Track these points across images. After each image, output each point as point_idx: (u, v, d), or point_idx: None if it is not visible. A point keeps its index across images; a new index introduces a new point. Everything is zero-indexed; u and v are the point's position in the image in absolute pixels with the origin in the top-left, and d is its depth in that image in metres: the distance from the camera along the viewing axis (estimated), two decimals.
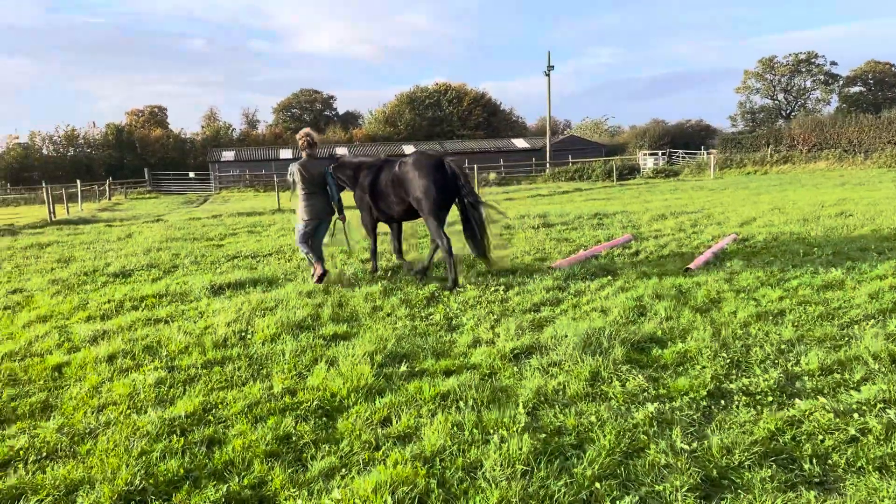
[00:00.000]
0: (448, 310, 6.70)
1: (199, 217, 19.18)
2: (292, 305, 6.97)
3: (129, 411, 4.33)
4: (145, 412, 4.31)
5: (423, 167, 7.78)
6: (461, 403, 4.13)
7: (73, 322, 6.85)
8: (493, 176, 41.02)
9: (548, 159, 48.89)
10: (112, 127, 65.09)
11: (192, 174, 50.90)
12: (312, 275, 8.12)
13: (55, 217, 21.55)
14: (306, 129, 8.23)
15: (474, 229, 7.91)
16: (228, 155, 54.82)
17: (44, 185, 25.75)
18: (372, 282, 8.13)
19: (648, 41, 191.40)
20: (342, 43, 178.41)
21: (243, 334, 6.01)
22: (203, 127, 76.94)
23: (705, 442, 3.50)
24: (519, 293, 7.24)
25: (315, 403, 4.27)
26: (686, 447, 3.43)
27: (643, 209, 16.23)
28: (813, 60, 74.47)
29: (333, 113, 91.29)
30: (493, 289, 7.48)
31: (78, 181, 31.53)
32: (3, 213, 31.69)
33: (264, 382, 4.76)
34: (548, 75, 49.41)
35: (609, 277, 7.78)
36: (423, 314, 6.58)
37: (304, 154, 8.15)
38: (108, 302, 7.66)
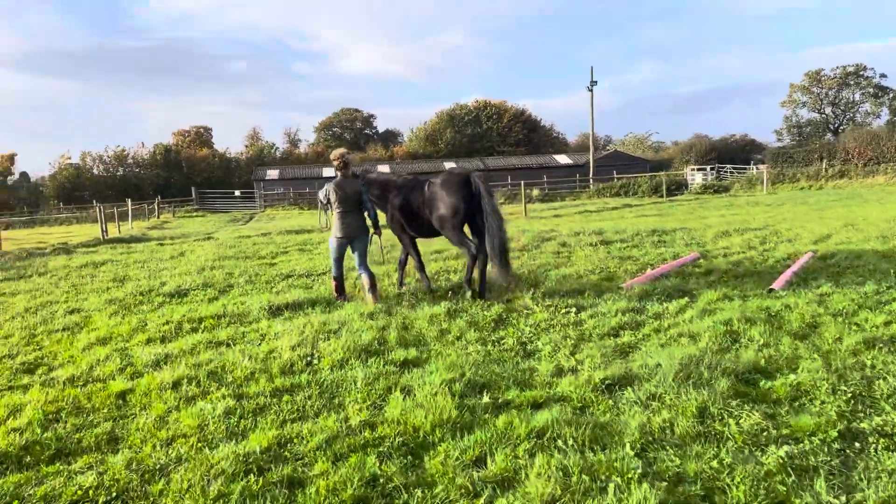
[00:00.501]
0: (520, 333, 6.33)
1: (248, 235, 19.18)
2: (356, 328, 6.68)
3: (199, 445, 4.06)
4: (217, 446, 4.03)
5: (451, 186, 7.98)
6: (560, 442, 3.75)
7: (133, 345, 6.67)
8: (536, 192, 40.55)
9: (591, 175, 48.24)
10: (160, 147, 66.58)
11: (237, 192, 51.62)
12: (337, 297, 8.30)
13: (107, 235, 21.84)
14: (341, 150, 8.26)
15: (494, 242, 7.79)
16: (273, 173, 55.47)
17: (95, 204, 26.21)
18: (434, 302, 7.82)
19: (689, 56, 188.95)
20: (380, 63, 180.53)
21: (309, 359, 5.73)
22: (247, 146, 78.26)
23: (857, 495, 3.05)
24: (593, 315, 6.84)
25: (398, 439, 3.94)
26: (836, 502, 2.99)
27: (702, 226, 15.64)
28: (861, 73, 72.29)
29: (373, 131, 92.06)
30: (563, 311, 7.09)
31: (129, 200, 32.09)
32: (57, 231, 32.42)
33: (339, 413, 4.46)
34: (591, 90, 48.92)
35: (686, 299, 7.33)
36: (493, 338, 6.22)
37: (338, 174, 8.19)
38: (167, 323, 7.49)
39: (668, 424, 3.94)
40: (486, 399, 4.53)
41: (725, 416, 4.02)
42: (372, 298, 7.87)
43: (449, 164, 58.45)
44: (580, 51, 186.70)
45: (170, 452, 3.98)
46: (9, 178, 67.06)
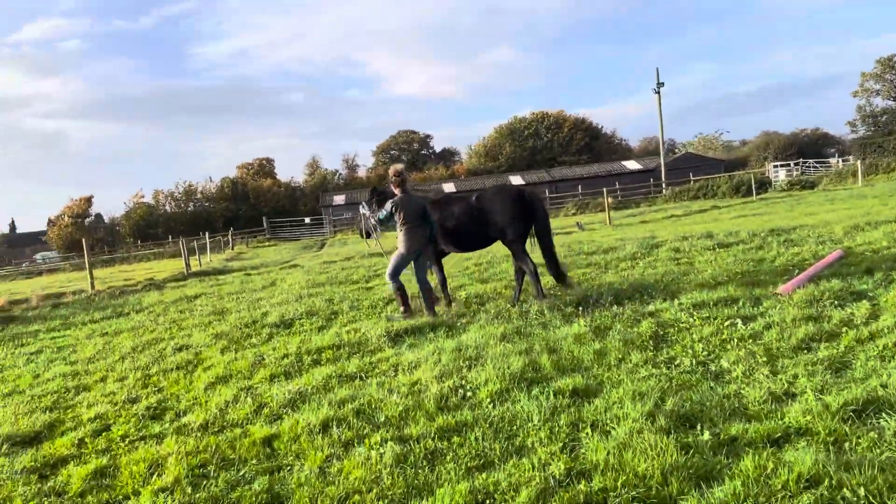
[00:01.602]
0: (691, 352, 5.52)
1: (333, 261, 18.84)
2: (498, 353, 6.00)
3: None
4: None
5: (507, 198, 8.43)
6: (846, 493, 2.94)
7: (257, 382, 6.16)
8: (605, 200, 39.35)
9: (663, 179, 46.64)
10: (227, 181, 68.06)
11: (307, 220, 52.08)
12: (403, 311, 8.24)
13: (190, 269, 21.91)
14: (398, 167, 8.28)
15: (551, 252, 8.58)
16: (339, 199, 55.85)
17: (171, 239, 26.55)
18: (569, 320, 7.08)
19: (745, 54, 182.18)
20: (430, 84, 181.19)
21: (462, 392, 5.06)
22: (307, 175, 79.29)
23: None
24: (767, 327, 5.96)
25: (627, 493, 3.20)
26: None
27: (820, 222, 14.42)
28: None
29: (431, 151, 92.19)
30: (726, 322, 6.24)
31: (207, 234, 32.55)
32: (139, 268, 33.07)
33: (528, 458, 3.76)
34: (657, 92, 47.49)
35: (866, 302, 6.37)
36: (662, 359, 5.43)
37: (396, 190, 8.21)
38: (285, 357, 6.97)
39: None
40: (705, 436, 3.75)
41: None
42: (429, 311, 8.09)
43: (515, 179, 57.71)
44: (630, 57, 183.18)
45: None
46: (86, 219, 69.59)
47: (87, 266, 17.96)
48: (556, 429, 4.12)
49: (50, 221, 70.14)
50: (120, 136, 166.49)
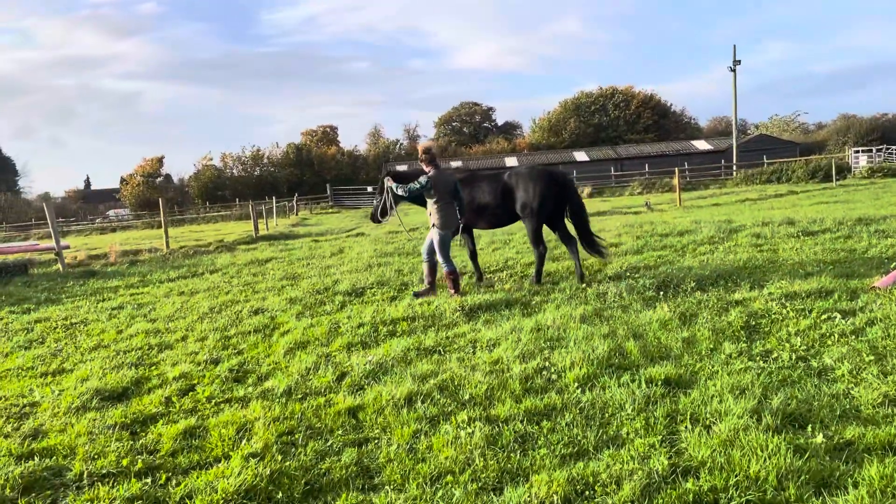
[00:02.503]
0: (789, 346, 5.23)
1: (397, 230, 18.85)
2: (580, 336, 5.83)
3: (474, 487, 3.34)
4: (498, 489, 3.29)
5: (541, 178, 8.54)
6: None
7: (335, 350, 6.17)
8: (676, 180, 38.25)
9: (734, 160, 45.01)
10: (292, 146, 69.04)
11: (370, 188, 52.43)
12: (451, 294, 8.06)
13: (259, 233, 22.32)
14: (426, 144, 8.18)
15: (587, 229, 8.76)
16: (401, 169, 55.91)
17: (239, 202, 27.06)
18: (650, 304, 6.86)
19: (824, 33, 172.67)
20: (495, 56, 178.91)
21: (546, 374, 4.93)
22: (369, 144, 79.65)
23: None
24: (870, 323, 5.61)
25: (739, 496, 3.03)
26: None
27: None
28: None
29: (493, 124, 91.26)
30: (823, 316, 5.92)
31: (274, 199, 33.08)
32: (207, 229, 33.97)
33: (626, 449, 3.61)
34: (733, 70, 45.59)
35: None
36: (758, 352, 5.17)
37: (427, 168, 8.06)
38: (360, 326, 6.97)
39: None
40: (818, 438, 3.53)
41: None
42: (454, 291, 8.04)
43: (579, 155, 56.67)
44: (701, 33, 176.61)
45: (443, 496, 3.28)
46: (157, 179, 71.79)
47: (163, 225, 18.45)
48: (652, 420, 3.95)
49: (122, 179, 72.65)
50: (191, 98, 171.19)
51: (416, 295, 8.25)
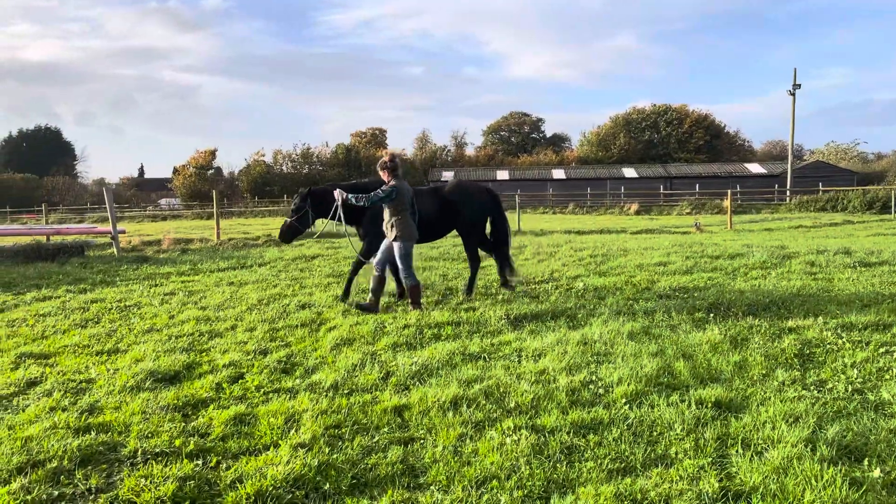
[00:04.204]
0: (843, 376, 5.10)
1: None
2: (628, 352, 5.78)
3: (519, 494, 3.34)
4: (544, 500, 3.29)
5: (478, 194, 8.93)
6: None
7: (381, 349, 6.23)
8: (726, 203, 37.57)
9: (788, 186, 43.98)
10: (342, 147, 69.89)
11: None
12: (412, 307, 7.91)
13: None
14: (394, 151, 7.88)
15: (505, 246, 9.08)
16: (448, 175, 56.21)
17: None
18: (700, 326, 6.75)
19: (888, 60, 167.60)
20: (548, 67, 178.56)
21: (593, 388, 4.90)
22: (416, 148, 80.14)
23: None
24: None
25: None
26: None
27: None
28: None
29: (541, 135, 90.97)
30: (881, 350, 5.74)
31: None
32: (254, 223, 34.59)
33: (673, 468, 3.57)
34: (793, 94, 44.61)
35: None
36: (812, 381, 5.04)
37: (387, 176, 7.86)
38: (406, 328, 7.02)
39: None
40: (875, 472, 3.44)
41: None
42: (416, 305, 7.93)
43: (628, 171, 56.06)
44: (758, 55, 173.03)
45: (489, 501, 3.29)
46: (209, 171, 73.38)
47: (214, 216, 18.87)
48: (702, 441, 3.89)
49: (175, 170, 74.50)
50: (246, 94, 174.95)
51: (359, 307, 7.97)
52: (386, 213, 7.87)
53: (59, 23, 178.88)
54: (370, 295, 8.00)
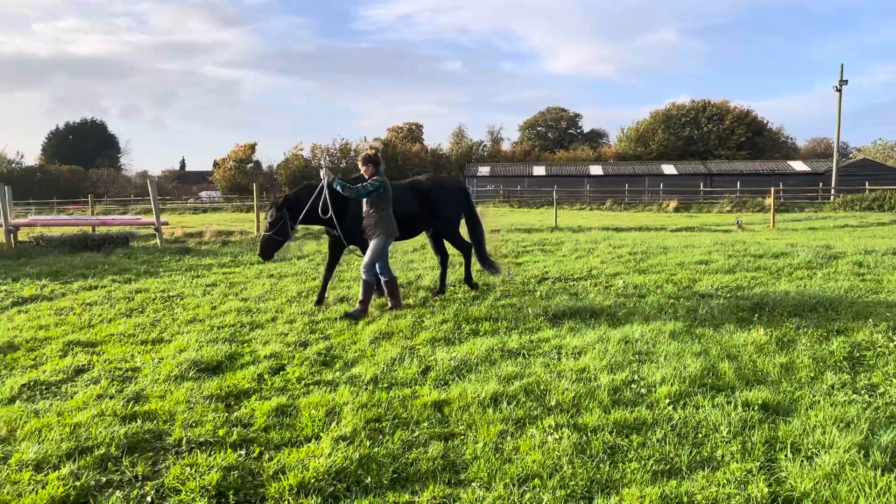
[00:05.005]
0: None
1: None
2: (671, 351, 5.68)
3: (562, 493, 3.30)
4: (587, 500, 3.25)
5: (456, 190, 8.98)
6: None
7: (419, 343, 6.23)
8: (769, 201, 36.76)
9: (833, 184, 42.85)
10: (378, 141, 70.20)
11: None
12: (391, 306, 7.73)
13: None
14: (377, 144, 7.61)
15: (480, 244, 9.08)
16: (484, 170, 56.09)
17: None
18: (744, 326, 6.61)
19: None
20: (587, 63, 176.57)
21: (636, 388, 4.83)
22: (452, 143, 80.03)
23: None
24: None
25: None
26: None
27: None
28: None
29: (578, 131, 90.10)
30: None
31: None
32: None
33: (717, 471, 3.49)
34: (839, 90, 43.37)
35: None
36: (863, 384, 4.89)
37: (367, 171, 7.54)
38: (444, 322, 7.02)
39: None
40: None
41: None
42: (394, 303, 7.74)
43: (667, 168, 55.19)
44: (805, 49, 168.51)
45: (531, 499, 3.26)
46: (248, 165, 74.43)
47: (255, 209, 19.12)
48: (750, 445, 3.80)
49: (215, 163, 75.72)
50: (285, 89, 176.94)
51: (348, 315, 7.39)
52: (366, 209, 7.53)
53: (107, 18, 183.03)
54: (358, 303, 7.54)
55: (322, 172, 7.69)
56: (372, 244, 7.51)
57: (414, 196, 8.39)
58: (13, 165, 69.07)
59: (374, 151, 7.60)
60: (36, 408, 4.66)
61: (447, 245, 9.20)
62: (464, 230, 9.19)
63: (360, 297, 7.54)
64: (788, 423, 4.11)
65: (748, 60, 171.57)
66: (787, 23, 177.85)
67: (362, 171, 7.60)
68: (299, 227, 8.13)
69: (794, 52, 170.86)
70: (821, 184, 44.90)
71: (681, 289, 8.87)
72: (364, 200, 7.54)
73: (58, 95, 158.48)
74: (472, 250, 9.09)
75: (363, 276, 7.57)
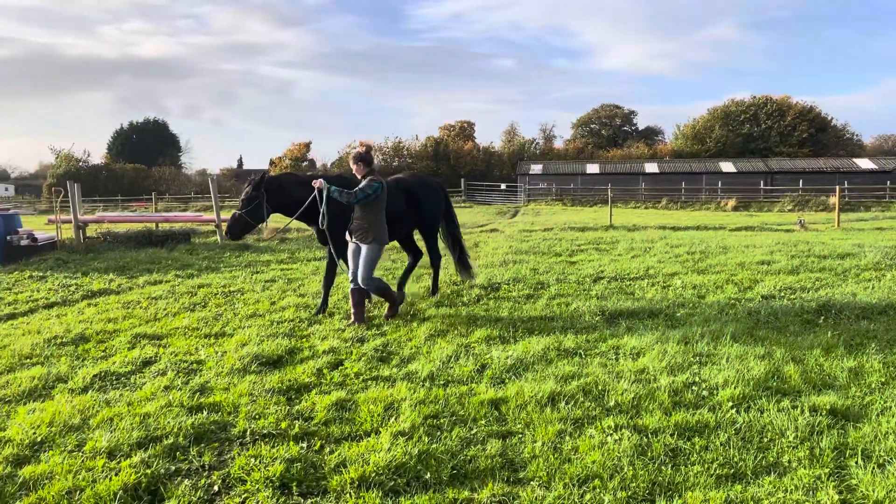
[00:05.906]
0: None
1: (531, 230, 18.84)
2: (733, 354, 5.55)
3: (623, 494, 3.27)
4: (650, 501, 3.20)
5: (439, 189, 8.60)
6: None
7: (474, 341, 6.24)
8: (833, 200, 35.47)
9: None
10: (431, 140, 70.51)
11: (503, 186, 52.63)
12: (353, 320, 7.08)
13: None
14: (369, 143, 7.28)
15: (461, 244, 9.00)
16: (537, 168, 55.59)
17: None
18: (809, 328, 6.40)
19: None
20: (642, 59, 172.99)
21: (697, 390, 4.74)
22: (504, 141, 79.70)
23: None
24: None
25: None
26: None
27: None
28: None
29: (633, 128, 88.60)
30: None
31: None
32: None
33: (784, 476, 3.40)
34: None
35: None
36: None
37: (358, 170, 7.00)
38: (498, 321, 7.00)
39: None
40: None
41: None
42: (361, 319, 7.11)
43: (726, 165, 53.81)
44: (870, 43, 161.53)
45: (591, 500, 3.24)
46: (303, 163, 75.70)
47: None
48: (818, 451, 3.69)
49: (271, 161, 77.24)
50: (340, 88, 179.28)
51: (389, 317, 7.22)
52: (357, 213, 6.94)
53: (169, 20, 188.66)
54: (352, 309, 7.16)
55: (316, 184, 6.99)
56: (364, 252, 6.91)
57: (401, 195, 7.93)
58: (80, 164, 71.75)
59: (365, 149, 7.15)
60: (107, 397, 4.85)
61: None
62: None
63: (386, 302, 7.41)
64: (858, 430, 3.98)
65: (811, 54, 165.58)
66: (853, 15, 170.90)
67: (354, 171, 7.09)
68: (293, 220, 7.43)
69: (859, 46, 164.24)
70: (888, 182, 43.00)
71: (742, 289, 8.65)
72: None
73: (122, 96, 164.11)
74: (447, 257, 9.11)
75: (351, 285, 7.11)
